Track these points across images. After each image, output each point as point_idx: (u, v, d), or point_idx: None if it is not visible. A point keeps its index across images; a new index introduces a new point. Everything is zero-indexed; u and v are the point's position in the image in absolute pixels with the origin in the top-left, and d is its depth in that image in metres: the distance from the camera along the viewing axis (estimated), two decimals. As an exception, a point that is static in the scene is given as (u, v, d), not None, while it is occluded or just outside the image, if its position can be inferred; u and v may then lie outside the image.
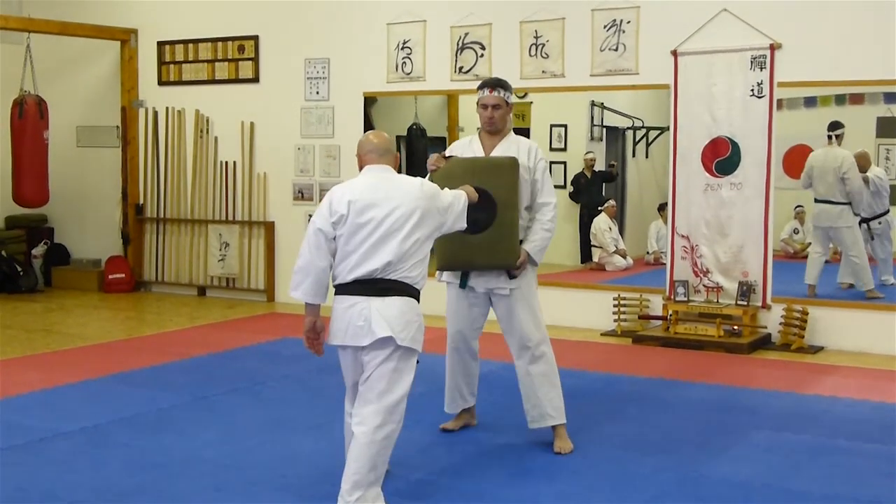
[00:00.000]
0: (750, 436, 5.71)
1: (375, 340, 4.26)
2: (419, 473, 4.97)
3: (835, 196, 9.51)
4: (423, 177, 4.76)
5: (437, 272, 5.50)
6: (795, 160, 10.60)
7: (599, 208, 12.25)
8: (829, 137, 9.59)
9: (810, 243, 12.07)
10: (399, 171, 4.55)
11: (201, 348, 8.27)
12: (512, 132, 5.55)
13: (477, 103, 5.47)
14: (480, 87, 5.46)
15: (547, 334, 5.49)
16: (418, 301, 4.41)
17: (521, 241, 5.37)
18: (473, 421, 5.80)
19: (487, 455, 5.32)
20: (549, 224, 5.42)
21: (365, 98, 10.42)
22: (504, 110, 5.42)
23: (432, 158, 5.45)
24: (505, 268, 5.34)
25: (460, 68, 9.77)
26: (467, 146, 5.55)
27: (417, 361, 4.45)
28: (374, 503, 4.25)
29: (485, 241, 5.26)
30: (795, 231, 12.38)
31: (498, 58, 9.48)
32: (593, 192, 12.40)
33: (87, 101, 12.29)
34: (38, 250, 12.24)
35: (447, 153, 5.54)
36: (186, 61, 11.48)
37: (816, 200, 9.68)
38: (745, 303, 8.45)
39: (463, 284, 5.45)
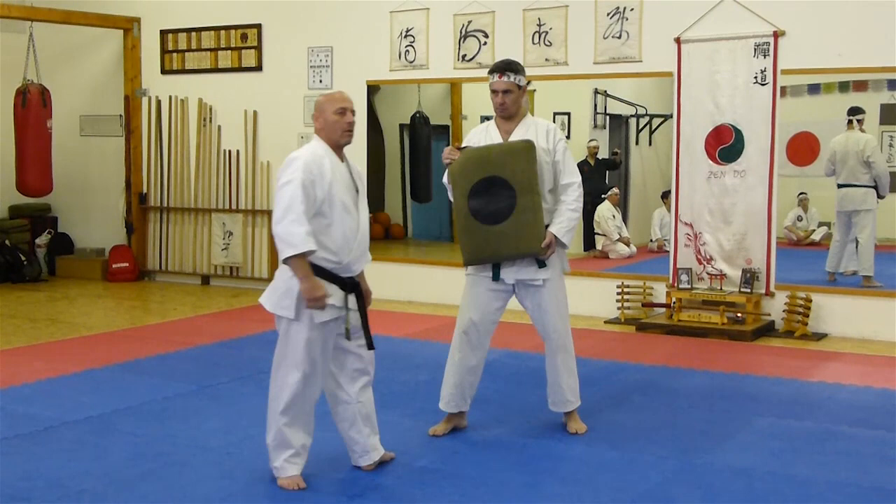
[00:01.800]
0: (753, 423, 5.72)
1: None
2: (423, 461, 4.99)
3: (858, 179, 9.52)
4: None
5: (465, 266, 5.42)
6: (799, 147, 10.60)
7: (603, 196, 12.25)
8: (850, 122, 9.60)
9: (814, 230, 12.11)
10: (320, 132, 4.62)
11: (205, 337, 8.28)
12: (529, 115, 5.42)
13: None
14: (490, 72, 5.33)
15: (569, 324, 5.47)
16: None
17: (547, 226, 5.25)
18: (464, 423, 5.55)
19: (492, 442, 5.33)
20: (574, 204, 5.28)
21: (368, 86, 10.41)
22: (515, 94, 5.27)
23: (446, 151, 5.37)
24: (532, 254, 5.22)
25: (463, 56, 9.76)
26: (484, 133, 5.43)
27: (353, 335, 4.64)
28: (276, 460, 4.61)
29: (509, 230, 5.16)
30: (799, 218, 12.38)
31: (501, 46, 9.46)
32: (596, 179, 12.40)
33: (91, 90, 12.30)
34: (42, 239, 12.25)
35: (464, 143, 5.46)
36: (189, 50, 11.48)
37: (839, 185, 9.65)
38: (749, 290, 8.45)
39: (496, 276, 5.31)
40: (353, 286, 4.61)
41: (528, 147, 5.20)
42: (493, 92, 5.30)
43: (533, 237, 5.19)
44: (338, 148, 4.60)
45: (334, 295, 4.50)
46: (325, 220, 4.45)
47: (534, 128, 5.34)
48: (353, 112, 4.61)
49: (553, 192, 5.33)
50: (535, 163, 5.19)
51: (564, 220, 5.27)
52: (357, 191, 4.63)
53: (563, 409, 5.52)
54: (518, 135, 5.31)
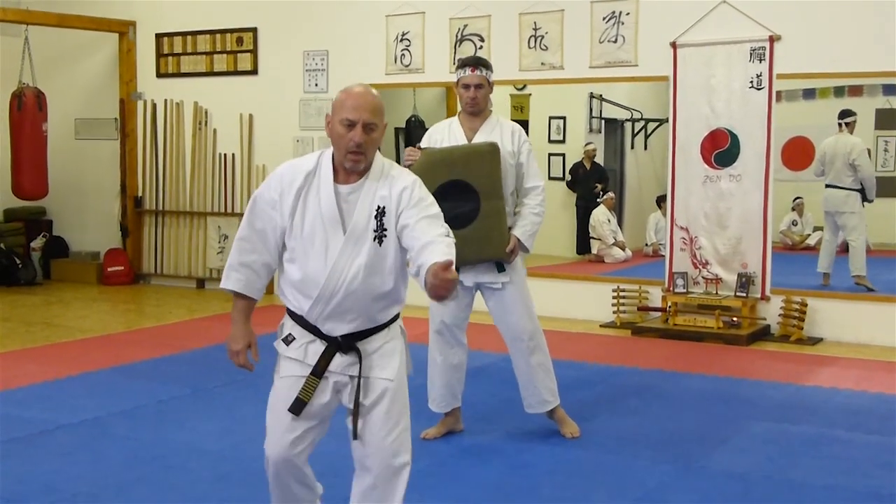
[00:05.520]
0: (749, 427, 5.72)
1: None
2: (418, 464, 4.95)
3: (842, 182, 9.55)
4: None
5: None
6: (794, 152, 10.61)
7: (598, 199, 12.25)
8: (840, 125, 9.62)
9: (809, 235, 12.12)
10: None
11: (201, 341, 8.27)
12: (493, 113, 5.37)
13: (456, 84, 5.28)
14: (461, 67, 5.25)
15: (538, 323, 5.45)
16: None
17: (509, 229, 5.23)
18: (459, 426, 5.56)
19: (487, 446, 5.33)
20: (538, 209, 5.26)
21: (364, 90, 10.39)
22: (486, 90, 5.24)
23: (406, 152, 5.28)
24: (496, 259, 5.21)
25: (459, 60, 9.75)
26: (446, 130, 5.34)
27: None
28: None
29: (472, 235, 5.09)
30: (794, 223, 12.39)
31: (497, 50, 9.45)
32: (591, 182, 12.41)
33: (86, 93, 12.27)
34: (37, 243, 12.23)
35: (425, 140, 5.37)
36: (185, 53, 11.47)
37: (826, 186, 9.71)
38: (744, 294, 8.45)
39: None
40: (339, 346, 3.39)
41: (492, 150, 5.15)
42: (465, 86, 5.23)
43: (497, 242, 5.17)
44: (343, 168, 3.32)
45: (302, 348, 3.41)
46: (287, 253, 3.39)
47: (499, 128, 5.29)
48: (366, 127, 3.24)
49: (514, 195, 5.30)
50: (500, 166, 5.15)
51: (528, 225, 5.25)
52: (351, 226, 3.30)
53: (541, 410, 5.48)
54: (483, 134, 5.26)
